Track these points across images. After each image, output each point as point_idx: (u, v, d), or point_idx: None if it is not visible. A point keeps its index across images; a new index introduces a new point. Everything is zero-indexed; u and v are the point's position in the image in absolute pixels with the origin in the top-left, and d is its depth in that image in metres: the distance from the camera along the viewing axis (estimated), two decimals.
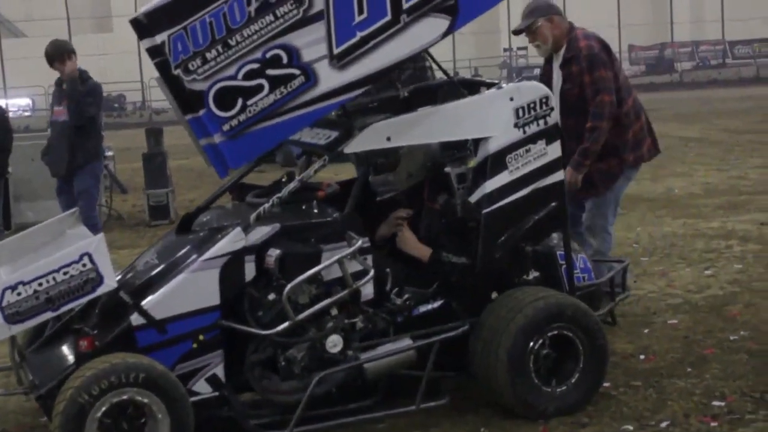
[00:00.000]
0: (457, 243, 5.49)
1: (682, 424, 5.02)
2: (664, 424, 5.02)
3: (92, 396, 4.53)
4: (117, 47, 49.27)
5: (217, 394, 5.01)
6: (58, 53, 9.58)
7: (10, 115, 44.97)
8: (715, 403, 5.28)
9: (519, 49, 52.24)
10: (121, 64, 47.90)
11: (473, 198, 5.44)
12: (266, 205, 5.16)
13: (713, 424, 5.02)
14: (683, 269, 8.53)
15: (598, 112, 6.49)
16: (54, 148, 9.83)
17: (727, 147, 18.36)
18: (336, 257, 5.09)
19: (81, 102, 9.62)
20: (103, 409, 4.57)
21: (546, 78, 6.90)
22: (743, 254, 9.00)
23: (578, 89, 6.66)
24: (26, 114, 47.95)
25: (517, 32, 7.11)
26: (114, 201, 14.51)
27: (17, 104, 49.21)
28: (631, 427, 5.00)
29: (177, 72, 4.77)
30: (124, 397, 4.60)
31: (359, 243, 5.13)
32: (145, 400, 4.63)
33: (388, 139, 5.26)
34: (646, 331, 6.66)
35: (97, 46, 48.78)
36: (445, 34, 5.06)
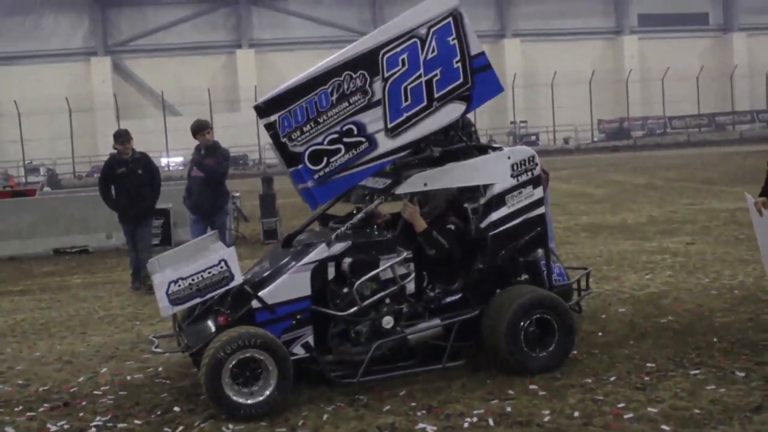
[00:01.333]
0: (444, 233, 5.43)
1: (625, 378, 5.00)
2: (612, 378, 5.01)
3: (227, 353, 4.61)
4: (242, 121, 49.59)
5: (308, 355, 5.03)
6: (200, 128, 9.32)
7: (171, 169, 45.42)
8: (649, 364, 5.26)
9: (521, 121, 51.83)
10: (245, 133, 48.21)
11: (483, 224, 5.42)
12: (342, 228, 5.19)
13: (646, 378, 5.00)
14: (631, 274, 8.40)
15: None
16: (196, 195, 9.34)
17: (665, 191, 17.98)
18: (389, 264, 5.13)
19: (221, 164, 9.36)
20: (234, 362, 4.64)
21: None
22: (673, 264, 8.85)
23: None
24: (181, 168, 48.39)
25: None
26: (240, 226, 14.69)
27: (174, 161, 49.77)
28: (590, 380, 4.98)
29: (284, 140, 4.82)
30: (248, 354, 4.66)
31: (404, 254, 5.17)
32: (262, 357, 4.69)
33: (425, 184, 5.27)
34: (603, 316, 6.59)
35: (229, 121, 49.15)
36: (462, 114, 5.07)
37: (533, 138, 50.72)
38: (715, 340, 5.78)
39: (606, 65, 55.74)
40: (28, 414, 5.07)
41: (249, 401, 4.67)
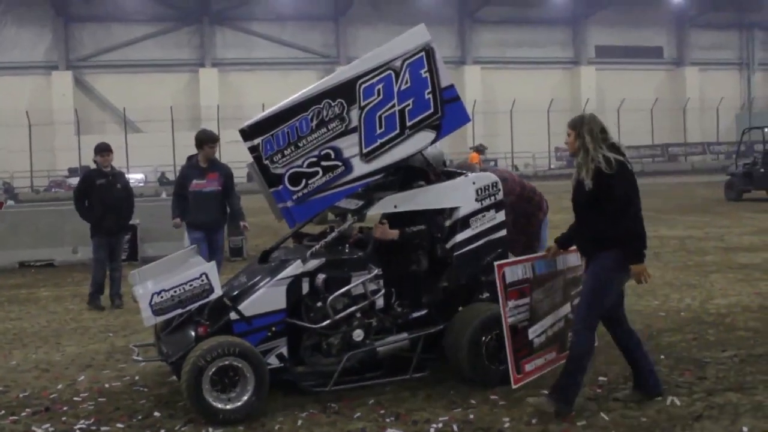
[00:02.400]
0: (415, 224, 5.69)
1: None
2: None
3: (207, 361, 4.88)
4: None
5: (282, 365, 5.28)
6: (210, 139, 8.63)
7: (132, 185, 45.11)
8: (600, 378, 5.60)
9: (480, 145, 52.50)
10: None
11: (448, 245, 5.76)
12: (317, 246, 5.48)
13: (598, 390, 5.36)
14: None
15: None
16: (202, 212, 8.50)
17: None
18: (361, 280, 5.43)
19: (232, 179, 8.91)
20: (214, 369, 4.90)
21: None
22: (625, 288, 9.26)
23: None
24: (141, 184, 48.16)
25: None
26: None
27: (134, 178, 49.41)
28: (546, 392, 5.10)
29: (266, 162, 5.09)
30: (227, 362, 4.93)
31: (375, 271, 5.48)
32: (240, 365, 4.95)
33: (395, 206, 5.57)
34: None
35: (190, 140, 48.97)
36: (432, 142, 5.38)
37: (492, 164, 51.40)
38: (662, 357, 6.18)
39: (564, 94, 56.76)
40: (11, 418, 5.26)
41: (228, 407, 4.94)
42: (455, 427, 4.76)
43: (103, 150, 9.46)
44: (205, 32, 53.49)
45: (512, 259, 5.59)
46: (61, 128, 48.91)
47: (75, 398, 5.67)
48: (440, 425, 4.81)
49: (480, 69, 57.22)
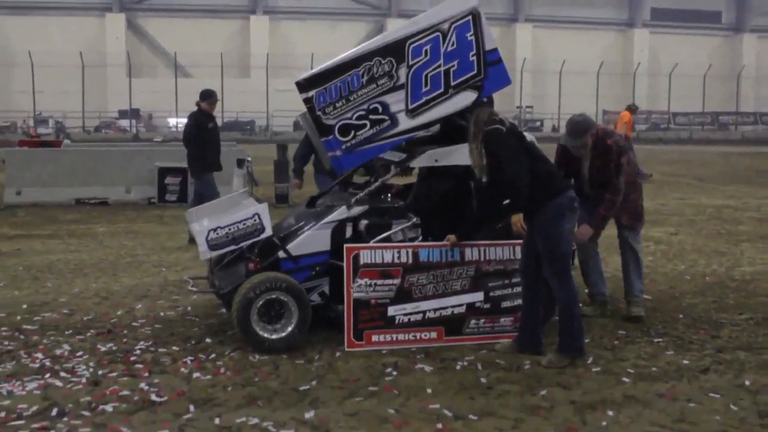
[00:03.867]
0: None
1: (597, 341, 5.75)
2: (587, 340, 5.56)
3: (256, 294, 5.35)
4: (252, 88, 50.11)
5: (324, 302, 5.73)
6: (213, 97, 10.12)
7: (178, 130, 45.92)
8: (620, 331, 6.03)
9: (527, 106, 52.31)
10: (254, 100, 48.74)
11: None
12: (361, 194, 5.87)
13: (615, 342, 5.77)
14: (616, 257, 8.69)
15: (618, 189, 6.04)
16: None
17: (660, 184, 18.58)
18: (400, 227, 5.84)
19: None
20: (262, 302, 5.37)
21: (564, 158, 6.19)
22: (655, 251, 9.51)
23: (606, 170, 6.04)
24: None
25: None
26: (253, 190, 15.33)
27: (183, 122, 50.30)
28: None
29: (318, 113, 5.47)
30: (274, 296, 5.39)
31: (414, 219, 5.91)
32: (285, 300, 5.41)
33: (436, 161, 5.91)
34: (585, 291, 6.95)
35: (240, 86, 49.59)
36: (475, 101, 5.65)
37: (537, 124, 51.29)
38: (680, 316, 6.54)
39: (615, 57, 56.19)
40: (78, 337, 5.84)
41: (273, 336, 5.43)
42: (479, 366, 5.20)
43: (210, 95, 10.22)
44: None
45: (371, 244, 5.70)
46: (112, 70, 49.89)
47: (133, 323, 6.22)
48: (465, 363, 5.25)
49: (532, 27, 56.75)
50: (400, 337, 5.61)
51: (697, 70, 53.09)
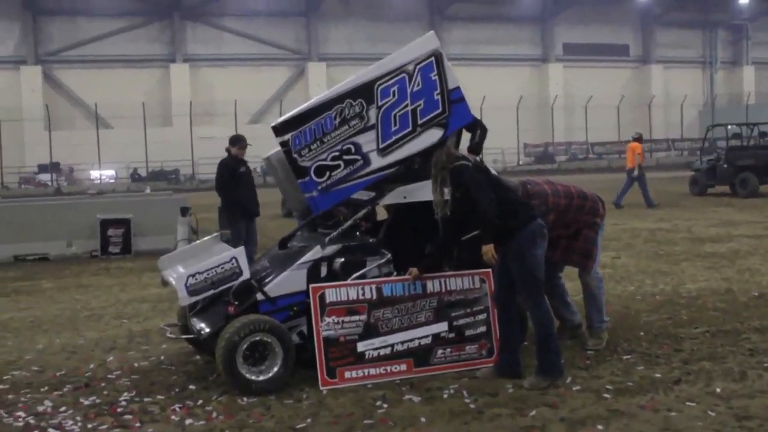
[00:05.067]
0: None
1: (570, 362, 5.89)
2: (561, 361, 5.94)
3: (240, 336, 5.40)
4: (175, 136, 49.63)
5: (302, 342, 5.78)
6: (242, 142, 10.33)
7: (101, 182, 44.91)
8: (589, 351, 6.27)
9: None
10: (178, 148, 48.28)
11: None
12: (334, 234, 6.01)
13: (587, 361, 6.00)
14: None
15: None
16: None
17: None
18: (375, 264, 5.99)
19: None
20: (246, 344, 5.43)
21: None
22: (603, 275, 9.92)
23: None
24: (111, 181, 48.23)
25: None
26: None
27: (106, 174, 49.48)
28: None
29: (295, 156, 5.64)
30: (258, 338, 5.46)
31: (388, 256, 6.10)
32: (269, 340, 5.48)
33: (405, 197, 6.10)
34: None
35: (162, 136, 49.15)
36: (440, 138, 5.89)
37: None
38: (642, 333, 6.87)
39: (533, 91, 57.77)
40: (56, 393, 5.75)
41: (260, 378, 5.48)
42: (465, 392, 5.37)
43: (239, 140, 10.40)
44: (176, 27, 53.53)
45: (339, 282, 5.83)
46: (30, 124, 48.66)
47: (109, 376, 6.16)
48: (451, 391, 5.41)
49: (450, 66, 57.97)
50: (372, 371, 5.71)
51: (611, 100, 55.06)
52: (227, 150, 10.42)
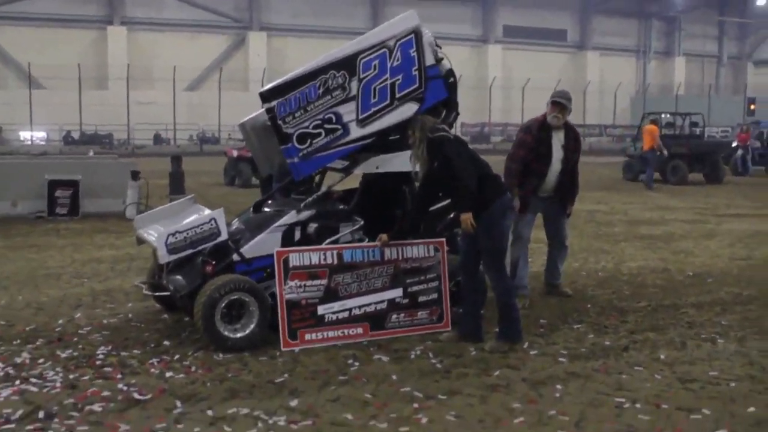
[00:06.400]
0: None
1: (525, 330, 6.21)
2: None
3: (221, 294, 5.59)
4: (111, 100, 48.61)
5: (274, 302, 5.86)
6: None
7: (32, 143, 43.68)
8: (542, 320, 6.66)
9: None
10: (113, 112, 47.29)
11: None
12: (309, 200, 6.24)
13: (541, 329, 6.39)
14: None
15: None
16: None
17: None
18: (347, 230, 6.25)
19: None
20: (225, 302, 5.63)
21: (535, 145, 7.25)
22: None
23: (577, 154, 7.42)
24: (42, 143, 47.02)
25: (556, 102, 7.45)
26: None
27: (37, 135, 48.22)
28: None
29: (279, 122, 5.82)
30: (236, 297, 5.65)
31: (360, 223, 6.35)
32: (247, 300, 5.69)
33: (377, 167, 6.37)
34: None
35: (98, 99, 48.05)
36: (416, 112, 6.14)
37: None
38: (589, 306, 7.30)
39: (471, 71, 58.37)
40: (29, 346, 5.84)
41: (237, 335, 5.70)
42: (430, 354, 5.69)
43: None
44: None
45: (302, 247, 6.02)
46: None
47: (80, 331, 6.26)
48: (418, 352, 5.72)
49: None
50: (330, 334, 5.95)
51: (548, 83, 55.90)
52: None
